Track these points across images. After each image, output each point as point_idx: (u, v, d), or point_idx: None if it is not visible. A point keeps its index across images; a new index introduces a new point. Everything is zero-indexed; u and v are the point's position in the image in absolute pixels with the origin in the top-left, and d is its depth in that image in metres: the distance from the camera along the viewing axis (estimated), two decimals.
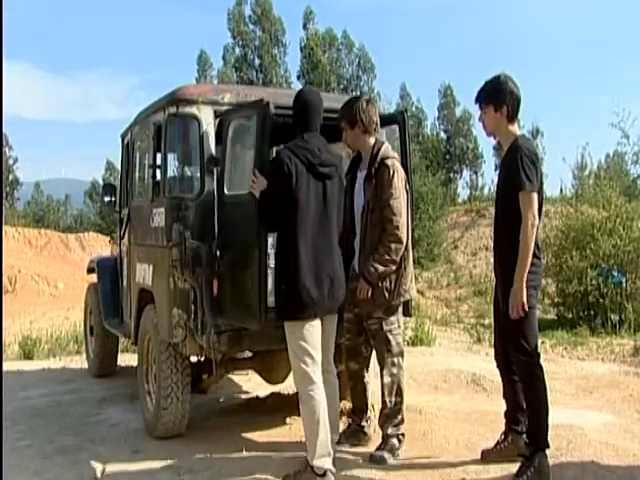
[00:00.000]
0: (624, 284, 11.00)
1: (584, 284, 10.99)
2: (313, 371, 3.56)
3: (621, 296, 10.61)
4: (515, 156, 3.56)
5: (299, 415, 3.74)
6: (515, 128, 3.72)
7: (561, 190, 22.42)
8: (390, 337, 4.05)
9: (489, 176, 36.38)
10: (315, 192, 3.59)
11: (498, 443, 3.93)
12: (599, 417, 4.95)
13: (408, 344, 8.49)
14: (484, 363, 6.56)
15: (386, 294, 4.00)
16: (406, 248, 4.02)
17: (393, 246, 3.93)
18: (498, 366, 3.95)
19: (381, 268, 3.93)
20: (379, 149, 4.04)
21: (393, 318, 4.09)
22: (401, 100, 34.62)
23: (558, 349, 8.43)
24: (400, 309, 4.15)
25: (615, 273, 11.08)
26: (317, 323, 3.60)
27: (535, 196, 3.55)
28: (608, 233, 11.23)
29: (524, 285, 3.50)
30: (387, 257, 3.93)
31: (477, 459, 3.95)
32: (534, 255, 3.58)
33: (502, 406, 3.98)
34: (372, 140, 4.10)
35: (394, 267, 3.98)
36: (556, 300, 12.56)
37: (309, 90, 3.89)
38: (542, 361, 3.69)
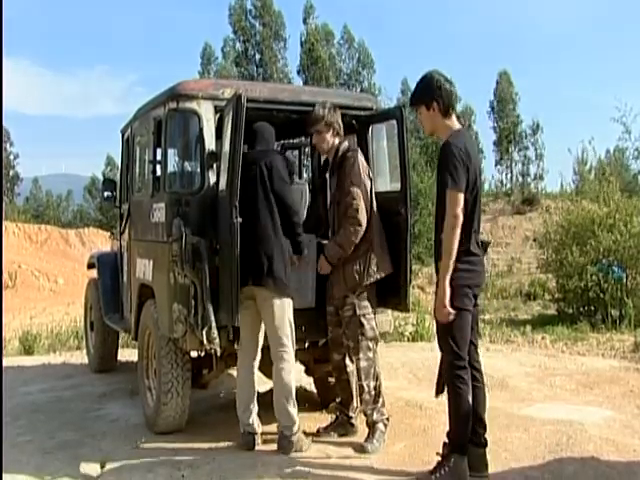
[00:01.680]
0: (624, 280, 11.01)
1: (584, 280, 11.00)
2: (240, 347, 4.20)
3: (621, 292, 10.63)
4: (443, 154, 3.48)
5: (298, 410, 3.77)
6: (452, 122, 3.63)
7: (561, 185, 22.42)
8: (364, 321, 4.20)
9: (489, 171, 36.37)
10: (245, 187, 3.98)
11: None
12: (599, 413, 4.96)
13: (408, 340, 8.50)
14: (484, 358, 6.54)
15: (356, 276, 4.19)
16: (370, 231, 4.19)
17: (352, 229, 4.14)
18: None
19: (338, 249, 4.17)
20: (340, 146, 4.31)
21: (365, 303, 4.24)
22: (402, 95, 34.55)
23: (558, 344, 8.43)
24: (373, 295, 4.28)
25: (615, 269, 11.10)
26: (243, 297, 4.02)
27: (459, 196, 3.40)
28: (608, 229, 11.23)
29: (447, 287, 3.40)
30: (345, 239, 4.16)
31: None
32: (471, 253, 3.50)
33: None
34: (337, 140, 4.34)
35: (351, 248, 4.17)
36: (556, 296, 12.58)
37: (259, 123, 4.37)
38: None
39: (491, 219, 26.29)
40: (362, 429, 4.46)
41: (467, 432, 3.53)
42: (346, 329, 4.26)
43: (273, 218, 4.08)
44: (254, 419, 4.21)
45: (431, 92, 3.59)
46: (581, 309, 11.35)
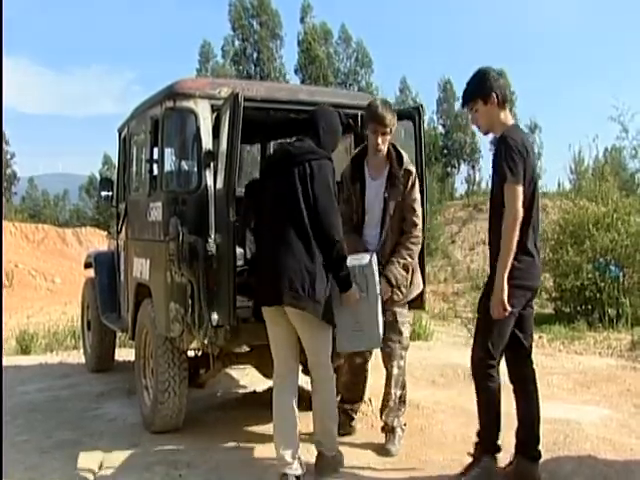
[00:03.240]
0: (621, 279, 11.01)
1: (581, 279, 10.99)
2: (277, 365, 3.72)
3: (618, 291, 10.62)
4: (499, 148, 3.45)
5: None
6: (507, 116, 3.57)
7: (558, 184, 22.41)
8: (403, 329, 4.18)
9: (487, 171, 36.41)
10: (270, 190, 3.68)
11: (508, 465, 3.69)
12: (596, 412, 4.96)
13: None
14: None
15: (403, 291, 4.14)
16: None
17: (416, 248, 4.13)
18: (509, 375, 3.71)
19: (404, 272, 4.10)
20: (400, 155, 4.13)
21: (405, 311, 4.23)
22: (400, 94, 34.56)
23: (555, 343, 8.44)
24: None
25: (612, 267, 11.09)
26: (272, 314, 3.63)
27: (519, 189, 3.33)
28: (606, 228, 11.23)
29: (505, 283, 3.32)
30: (409, 259, 4.10)
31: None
32: (526, 253, 3.42)
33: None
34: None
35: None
36: (553, 295, 12.56)
37: (322, 111, 3.88)
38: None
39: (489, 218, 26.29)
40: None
41: (497, 430, 3.55)
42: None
43: (313, 229, 3.54)
44: (297, 457, 3.57)
45: (489, 84, 3.53)
46: (578, 308, 11.33)
